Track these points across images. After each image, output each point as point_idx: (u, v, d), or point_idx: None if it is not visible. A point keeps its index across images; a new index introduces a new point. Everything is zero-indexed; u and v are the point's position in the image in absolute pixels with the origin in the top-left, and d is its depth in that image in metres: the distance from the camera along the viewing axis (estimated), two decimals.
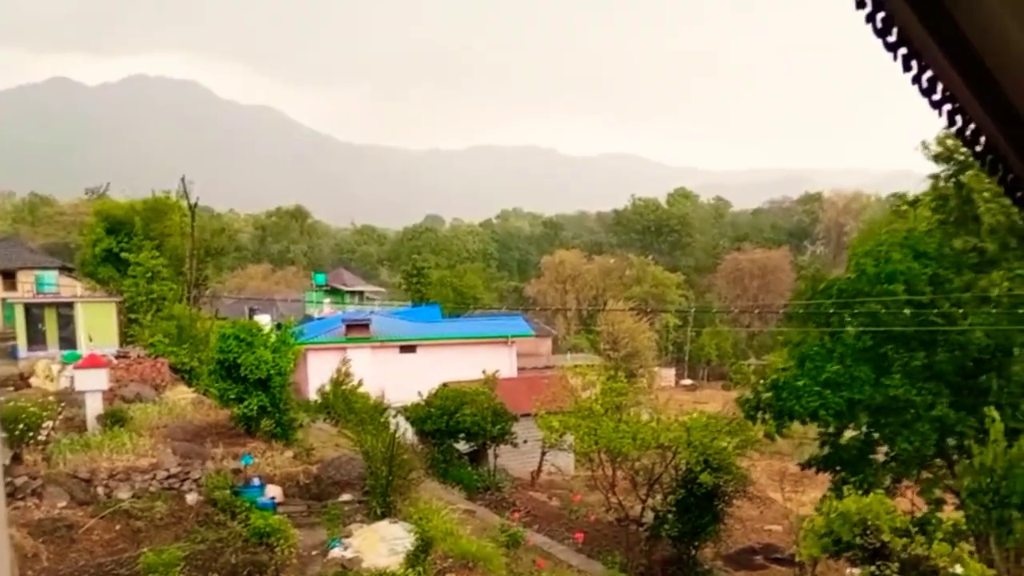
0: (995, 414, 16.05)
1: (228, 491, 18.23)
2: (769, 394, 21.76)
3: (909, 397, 18.99)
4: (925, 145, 24.07)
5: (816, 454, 21.86)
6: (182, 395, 26.37)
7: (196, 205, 44.05)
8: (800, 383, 20.84)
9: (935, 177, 26.25)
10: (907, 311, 19.57)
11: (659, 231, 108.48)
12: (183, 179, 44.51)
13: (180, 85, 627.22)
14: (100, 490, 17.73)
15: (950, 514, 18.70)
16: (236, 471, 19.38)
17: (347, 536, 17.44)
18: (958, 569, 14.95)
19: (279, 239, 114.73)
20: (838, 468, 20.81)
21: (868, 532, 17.01)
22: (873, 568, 17.05)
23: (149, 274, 35.34)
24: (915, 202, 26.60)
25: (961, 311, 19.28)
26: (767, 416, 21.40)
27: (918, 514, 18.74)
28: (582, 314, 78.39)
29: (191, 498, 18.13)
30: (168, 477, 18.38)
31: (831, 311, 21.79)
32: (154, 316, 33.57)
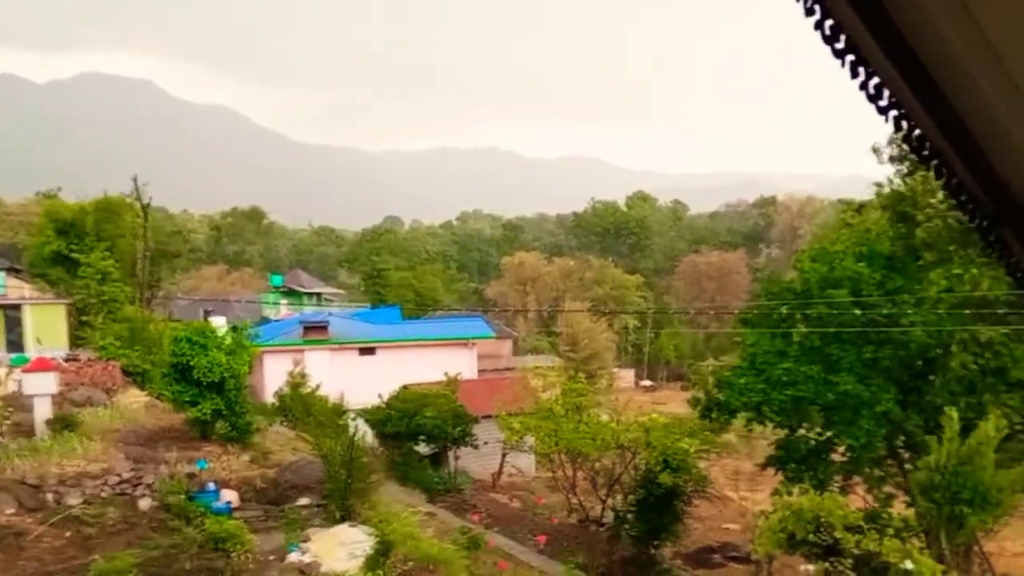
0: (953, 413, 16.49)
1: (182, 496, 17.91)
2: (718, 393, 22.16)
3: (856, 393, 19.42)
4: (876, 150, 24.66)
5: (771, 455, 22.22)
6: (134, 399, 25.83)
7: (149, 205, 43.22)
8: (742, 380, 21.29)
9: (879, 185, 27.19)
10: (857, 311, 20.00)
11: (618, 233, 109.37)
12: (135, 179, 43.63)
13: (133, 83, 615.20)
14: (49, 496, 17.28)
15: (901, 511, 19.14)
16: (191, 476, 19.05)
17: (305, 540, 17.24)
18: (908, 564, 15.30)
19: (235, 240, 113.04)
20: (792, 465, 21.18)
21: (821, 529, 17.34)
22: (827, 564, 17.38)
23: (100, 276, 34.59)
24: (861, 207, 27.25)
25: (909, 311, 19.75)
26: (717, 415, 21.77)
27: (870, 511, 19.14)
28: (543, 315, 78.64)
29: (144, 503, 17.76)
30: (120, 482, 17.97)
31: (785, 312, 22.20)
32: (105, 318, 32.86)
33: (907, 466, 20.27)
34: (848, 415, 19.71)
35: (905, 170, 24.60)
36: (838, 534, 17.24)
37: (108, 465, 18.51)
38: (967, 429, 17.03)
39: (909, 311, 19.54)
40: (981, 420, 17.45)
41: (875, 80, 2.43)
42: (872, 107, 2.59)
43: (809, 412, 20.76)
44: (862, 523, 17.62)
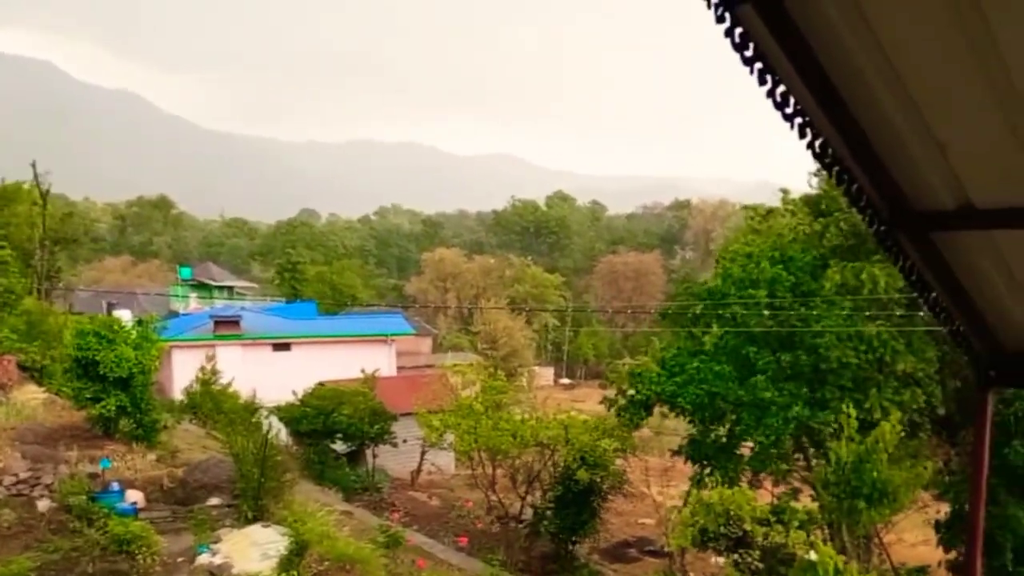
0: (852, 411, 17.24)
1: (84, 497, 17.05)
2: (631, 390, 22.55)
3: (771, 397, 20.07)
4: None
5: (683, 443, 22.66)
6: (32, 395, 24.48)
7: (48, 192, 41.03)
8: (654, 375, 21.81)
9: (786, 191, 28.34)
10: (765, 312, 20.71)
11: (538, 232, 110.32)
12: (34, 165, 41.38)
13: (32, 64, 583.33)
14: None
15: (806, 504, 19.91)
16: (93, 475, 18.16)
17: (216, 541, 16.68)
18: (812, 555, 15.95)
19: (141, 230, 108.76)
20: (704, 462, 21.77)
21: (731, 522, 17.91)
22: (736, 556, 17.97)
23: None
24: (769, 212, 28.23)
25: (815, 313, 20.56)
26: (632, 411, 22.15)
27: (777, 505, 19.84)
28: (463, 313, 78.53)
29: (43, 505, 16.82)
30: (17, 483, 16.99)
31: (699, 312, 22.77)
32: (1, 310, 31.05)
33: (813, 461, 21.09)
34: (757, 413, 20.36)
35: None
36: (747, 527, 17.85)
37: (3, 464, 17.48)
38: (865, 425, 17.84)
39: (815, 312, 20.30)
40: (869, 416, 18.35)
41: (781, 88, 2.56)
42: (778, 114, 2.69)
43: (722, 409, 21.34)
44: (769, 516, 18.29)
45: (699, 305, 22.50)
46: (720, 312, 21.84)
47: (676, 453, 22.96)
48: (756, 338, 20.94)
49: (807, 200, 24.77)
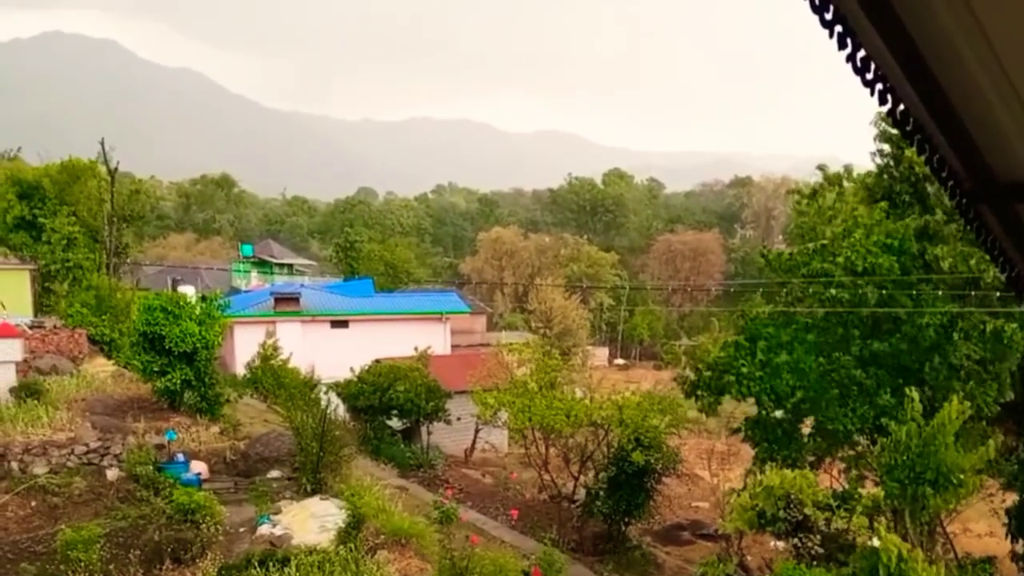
0: (915, 394, 16.63)
1: (151, 467, 17.64)
2: (709, 373, 21.96)
3: (862, 380, 19.42)
4: (883, 117, 24.29)
5: (747, 421, 22.04)
6: (101, 367, 25.40)
7: (116, 170, 42.16)
8: (743, 367, 20.92)
9: (823, 168, 27.37)
10: (872, 299, 19.93)
11: (594, 211, 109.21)
12: (102, 142, 42.51)
13: (98, 44, 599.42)
14: (14, 465, 16.92)
15: (869, 491, 19.36)
16: (159, 446, 18.77)
17: (276, 513, 17.08)
18: (875, 542, 15.52)
19: (204, 208, 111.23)
20: (765, 444, 21.26)
21: (791, 506, 17.53)
22: (795, 540, 17.60)
23: (65, 241, 33.86)
24: (814, 194, 27.16)
25: (913, 297, 19.72)
26: (705, 394, 21.63)
27: (839, 490, 19.35)
28: (518, 292, 78.45)
29: (112, 474, 17.46)
30: (87, 452, 17.66)
31: (806, 291, 21.80)
32: (71, 285, 32.21)
33: (878, 447, 20.43)
34: (837, 396, 19.70)
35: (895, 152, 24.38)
36: (808, 511, 17.45)
37: (75, 434, 18.16)
38: (926, 412, 17.19)
39: (925, 300, 19.50)
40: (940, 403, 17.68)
41: (862, 53, 2.42)
42: (858, 80, 2.52)
43: (794, 392, 20.62)
44: (831, 501, 17.85)
45: (800, 282, 21.66)
46: (815, 292, 21.03)
47: (736, 432, 22.41)
48: (848, 323, 20.27)
49: (867, 183, 23.84)
